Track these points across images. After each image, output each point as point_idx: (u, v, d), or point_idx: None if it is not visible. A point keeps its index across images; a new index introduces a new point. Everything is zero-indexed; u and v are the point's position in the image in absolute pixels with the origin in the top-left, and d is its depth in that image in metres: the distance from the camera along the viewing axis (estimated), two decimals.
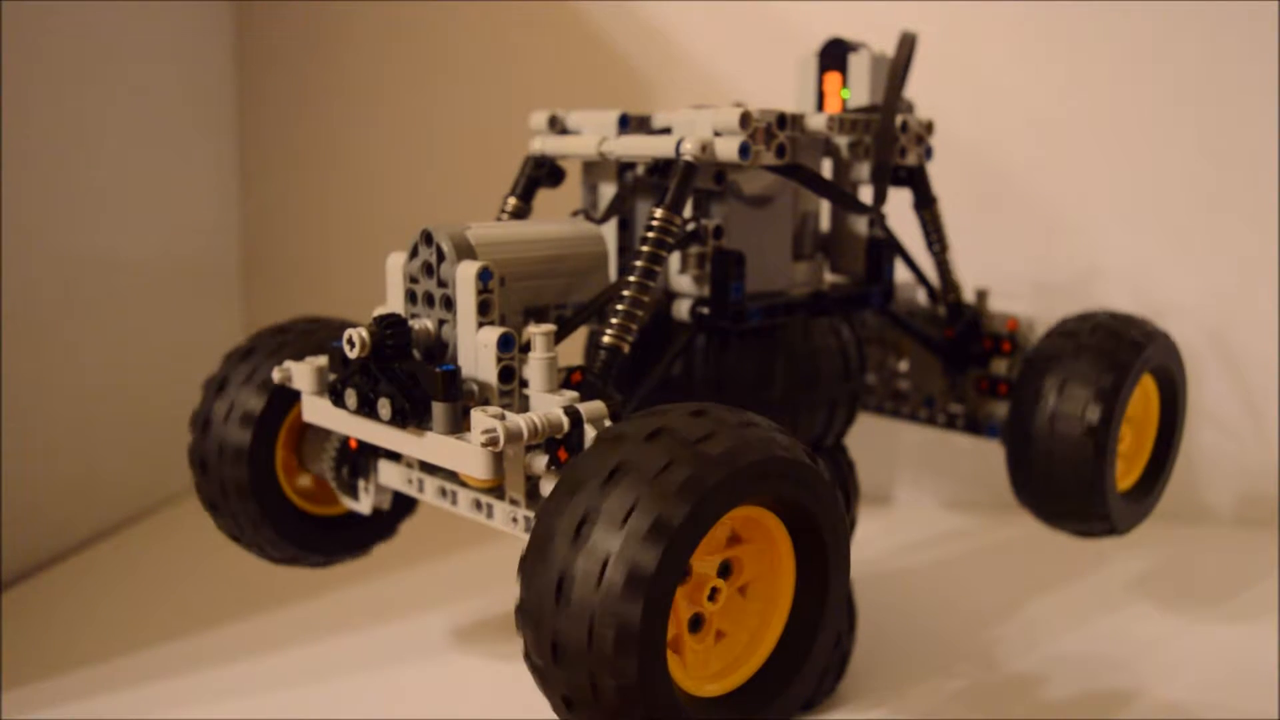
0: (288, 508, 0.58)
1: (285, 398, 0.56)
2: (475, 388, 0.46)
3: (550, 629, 0.36)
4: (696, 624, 0.41)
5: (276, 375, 0.53)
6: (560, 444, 0.44)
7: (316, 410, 0.52)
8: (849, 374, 0.60)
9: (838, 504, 0.42)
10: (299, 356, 0.55)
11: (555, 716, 0.39)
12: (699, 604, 0.41)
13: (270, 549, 0.59)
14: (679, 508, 0.36)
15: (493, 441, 0.42)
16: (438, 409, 0.45)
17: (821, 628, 0.43)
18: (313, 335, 0.58)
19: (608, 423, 0.44)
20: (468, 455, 0.44)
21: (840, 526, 0.43)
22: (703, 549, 0.40)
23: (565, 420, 0.43)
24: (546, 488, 0.45)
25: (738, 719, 0.41)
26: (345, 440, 0.55)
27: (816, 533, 0.42)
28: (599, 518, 0.36)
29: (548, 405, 0.44)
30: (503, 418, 0.42)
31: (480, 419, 0.43)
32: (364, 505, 0.57)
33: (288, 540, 0.58)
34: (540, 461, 0.45)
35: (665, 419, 0.39)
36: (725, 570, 0.42)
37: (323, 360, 0.52)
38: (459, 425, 0.45)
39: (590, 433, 0.43)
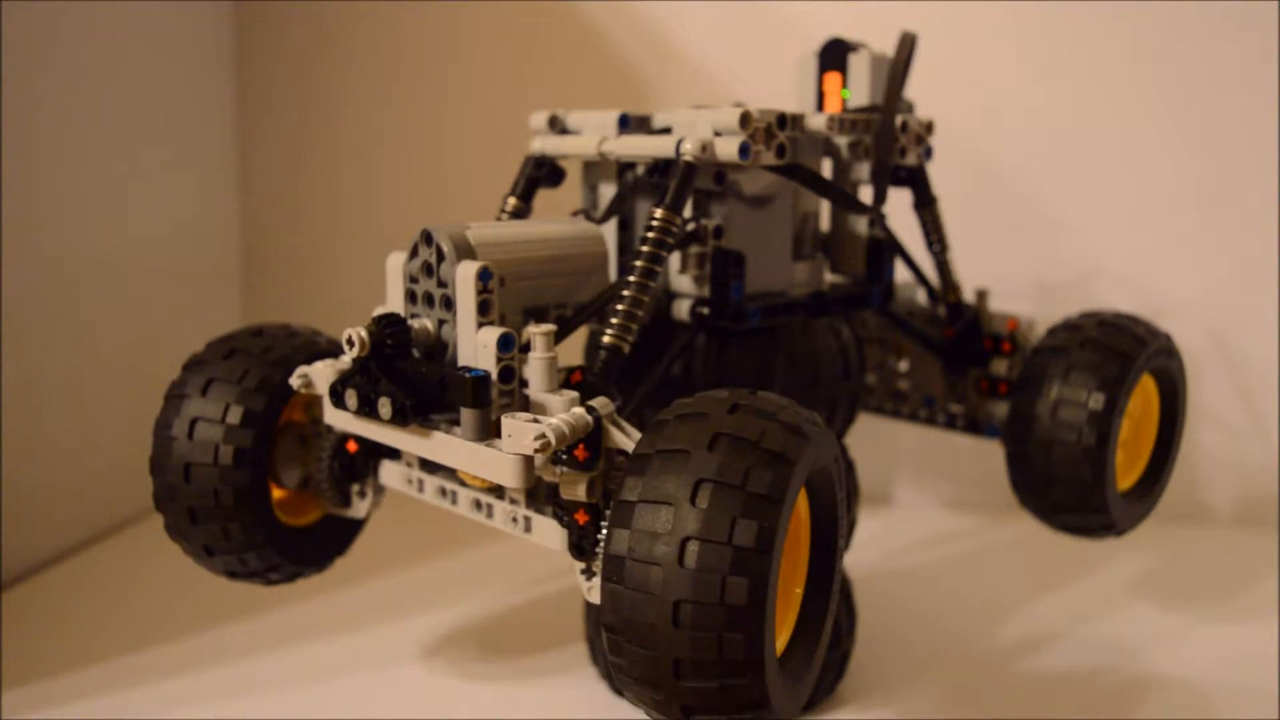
0: (272, 517, 0.55)
1: (276, 404, 0.54)
2: None
3: (674, 592, 0.37)
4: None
5: (295, 381, 0.51)
6: (580, 443, 0.44)
7: (340, 414, 0.51)
8: (849, 374, 0.60)
9: (844, 472, 0.45)
10: (300, 362, 0.54)
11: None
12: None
13: (254, 559, 0.55)
14: (784, 471, 0.38)
15: (545, 446, 0.41)
16: (466, 415, 0.44)
17: (830, 592, 0.44)
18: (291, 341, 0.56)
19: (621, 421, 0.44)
20: (499, 463, 0.44)
21: (843, 494, 0.45)
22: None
23: (590, 419, 0.43)
24: (568, 489, 0.44)
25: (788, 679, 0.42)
26: (343, 444, 0.55)
27: (831, 500, 0.44)
28: (712, 482, 0.38)
29: (550, 405, 0.44)
30: (537, 422, 0.42)
31: (521, 426, 0.42)
32: (360, 509, 0.57)
33: (273, 549, 0.55)
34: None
35: (730, 396, 0.41)
36: None
37: (345, 362, 0.51)
38: (489, 432, 0.45)
39: (613, 430, 0.43)
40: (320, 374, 0.51)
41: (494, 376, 0.45)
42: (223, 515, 0.53)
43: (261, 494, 0.54)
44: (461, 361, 0.47)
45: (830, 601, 0.44)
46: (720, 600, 0.36)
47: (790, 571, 0.44)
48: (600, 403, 0.44)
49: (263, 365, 0.54)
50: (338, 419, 0.51)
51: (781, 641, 0.43)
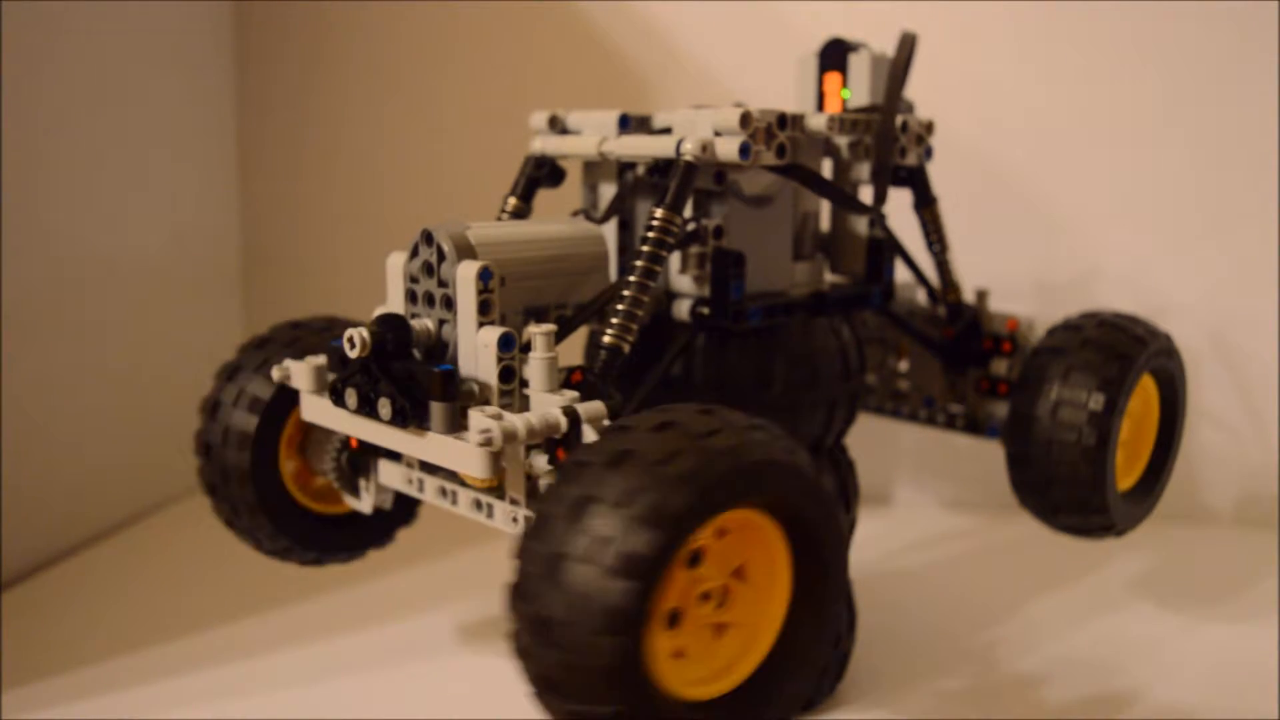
0: (286, 499, 0.58)
1: (294, 390, 0.56)
2: (476, 388, 0.46)
3: (540, 606, 0.36)
4: (684, 622, 0.41)
5: (275, 373, 0.53)
6: (559, 444, 0.44)
7: (315, 409, 0.52)
8: (849, 374, 0.60)
9: (838, 514, 0.42)
10: (311, 353, 0.55)
11: (543, 716, 0.39)
12: (692, 604, 0.41)
13: (264, 538, 0.59)
14: (682, 495, 0.37)
15: (488, 441, 0.42)
16: (436, 409, 0.45)
17: (815, 640, 0.43)
18: (329, 333, 0.58)
19: (606, 423, 0.44)
20: (466, 455, 0.44)
21: (839, 540, 0.43)
22: (711, 552, 0.40)
23: (563, 420, 0.43)
24: (546, 487, 0.45)
25: None
26: (347, 438, 0.55)
27: (815, 543, 0.42)
28: (601, 499, 0.37)
29: (548, 405, 0.44)
30: (500, 418, 0.42)
31: (477, 419, 0.43)
32: (365, 504, 0.57)
33: (283, 532, 0.58)
34: (541, 461, 0.45)
35: (673, 414, 0.40)
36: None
37: (321, 359, 0.52)
38: (457, 425, 0.45)
39: (589, 432, 0.43)
40: (299, 369, 0.52)
41: (495, 376, 0.45)
42: (232, 496, 0.57)
43: (269, 479, 0.57)
44: (462, 361, 0.47)
45: (821, 638, 0.43)
46: (576, 625, 0.36)
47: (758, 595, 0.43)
48: (589, 406, 0.44)
49: (286, 356, 0.57)
50: (314, 414, 0.52)
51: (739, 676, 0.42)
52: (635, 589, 0.36)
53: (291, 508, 0.59)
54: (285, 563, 0.61)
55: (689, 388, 0.56)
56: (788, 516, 0.41)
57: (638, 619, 0.36)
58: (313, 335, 0.58)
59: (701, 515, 0.37)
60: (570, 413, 0.43)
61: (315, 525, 0.60)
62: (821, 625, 0.43)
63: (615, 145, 0.54)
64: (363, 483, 0.57)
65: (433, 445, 0.45)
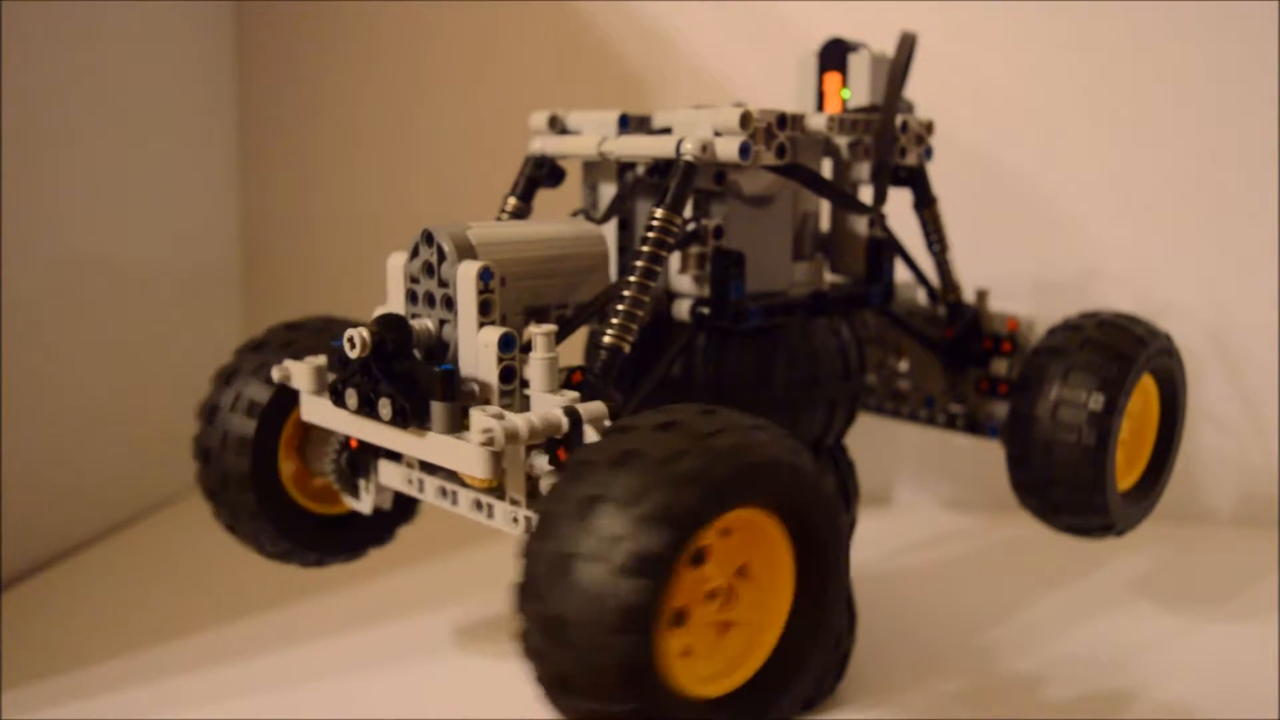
0: (286, 502, 0.58)
1: (291, 392, 0.56)
2: (476, 388, 0.46)
3: (551, 605, 0.36)
4: (690, 621, 0.41)
5: (276, 374, 0.53)
6: (560, 444, 0.44)
7: (315, 409, 0.52)
8: (849, 374, 0.60)
9: (840, 514, 0.43)
10: (308, 353, 0.55)
11: (552, 716, 0.39)
12: (698, 603, 0.41)
13: (265, 542, 0.58)
14: (689, 494, 0.37)
15: (490, 441, 0.42)
16: (436, 408, 0.45)
17: (818, 636, 0.43)
18: (326, 333, 0.58)
19: (607, 423, 0.44)
20: (467, 455, 0.44)
21: (840, 537, 0.43)
22: (715, 552, 0.40)
23: (564, 420, 0.43)
24: (548, 487, 0.45)
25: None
26: (346, 439, 0.55)
27: (818, 542, 0.42)
28: (608, 498, 0.37)
29: (548, 405, 0.44)
30: (501, 417, 0.42)
31: (479, 419, 0.43)
32: (364, 504, 0.57)
33: (284, 535, 0.58)
34: (541, 461, 0.45)
35: (675, 414, 0.40)
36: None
37: (321, 360, 0.52)
38: (458, 425, 0.45)
39: (590, 432, 0.43)
40: (299, 370, 0.52)
41: (495, 376, 0.45)
42: (232, 500, 0.57)
43: (268, 482, 0.57)
44: (463, 361, 0.47)
45: (816, 647, 0.43)
46: (588, 624, 0.36)
47: (765, 592, 0.43)
48: (590, 406, 0.44)
49: (283, 357, 0.56)
50: (315, 415, 0.51)
51: (741, 678, 0.42)
52: (647, 587, 0.36)
53: (292, 510, 0.58)
54: (287, 564, 0.61)
55: (689, 388, 0.56)
56: (790, 515, 0.42)
57: (650, 617, 0.36)
58: (309, 336, 0.58)
59: (709, 514, 0.38)
60: (571, 413, 0.43)
61: (316, 526, 0.60)
62: (823, 623, 0.43)
63: (615, 145, 0.54)
64: (362, 483, 0.57)
65: (434, 445, 0.45)
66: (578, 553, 0.36)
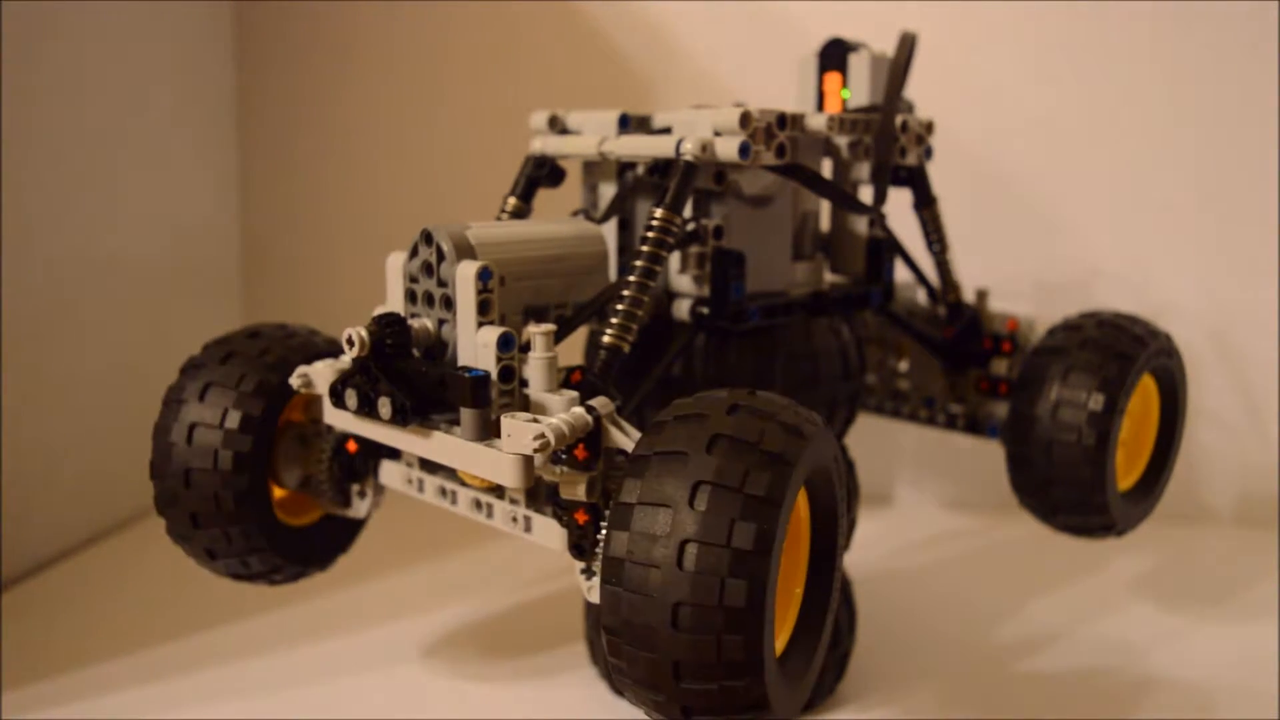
0: (273, 520, 0.55)
1: (274, 406, 0.54)
2: None
3: (673, 594, 0.37)
4: None
5: (295, 381, 0.51)
6: (580, 442, 0.44)
7: (340, 414, 0.50)
8: (849, 374, 0.60)
9: (843, 472, 0.45)
10: (285, 361, 0.54)
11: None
12: None
13: (256, 562, 0.55)
14: (783, 472, 0.38)
15: (545, 445, 0.41)
16: (466, 415, 0.44)
17: (828, 607, 0.44)
18: (294, 339, 0.57)
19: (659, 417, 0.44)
20: (499, 463, 0.44)
21: (843, 494, 0.45)
22: None
23: (590, 419, 0.43)
24: (567, 489, 0.44)
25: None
26: (343, 444, 0.55)
27: (829, 508, 0.44)
28: (711, 484, 0.38)
29: (553, 405, 0.44)
30: (537, 422, 0.42)
31: (520, 426, 0.42)
32: (361, 509, 0.57)
33: (275, 551, 0.55)
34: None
35: (729, 396, 0.41)
36: None
37: (344, 362, 0.51)
38: (488, 432, 0.45)
39: (612, 430, 0.43)
40: (320, 374, 0.51)
41: (494, 376, 0.45)
42: (224, 520, 0.53)
43: (262, 497, 0.54)
44: (462, 361, 0.47)
45: (831, 600, 0.44)
46: (719, 603, 0.36)
47: (790, 572, 0.44)
48: (600, 402, 0.44)
49: (260, 368, 0.54)
50: (338, 419, 0.50)
51: (781, 641, 0.43)
52: (766, 564, 0.37)
53: (276, 525, 0.55)
54: (260, 585, 0.58)
55: (689, 388, 0.56)
56: (815, 483, 0.43)
57: (769, 597, 0.37)
58: (278, 344, 0.56)
59: (797, 488, 0.39)
60: (593, 411, 0.43)
61: (293, 539, 0.57)
62: (830, 593, 0.44)
63: (615, 145, 0.54)
64: (356, 487, 0.56)
65: (463, 452, 0.45)
66: (692, 537, 0.37)
